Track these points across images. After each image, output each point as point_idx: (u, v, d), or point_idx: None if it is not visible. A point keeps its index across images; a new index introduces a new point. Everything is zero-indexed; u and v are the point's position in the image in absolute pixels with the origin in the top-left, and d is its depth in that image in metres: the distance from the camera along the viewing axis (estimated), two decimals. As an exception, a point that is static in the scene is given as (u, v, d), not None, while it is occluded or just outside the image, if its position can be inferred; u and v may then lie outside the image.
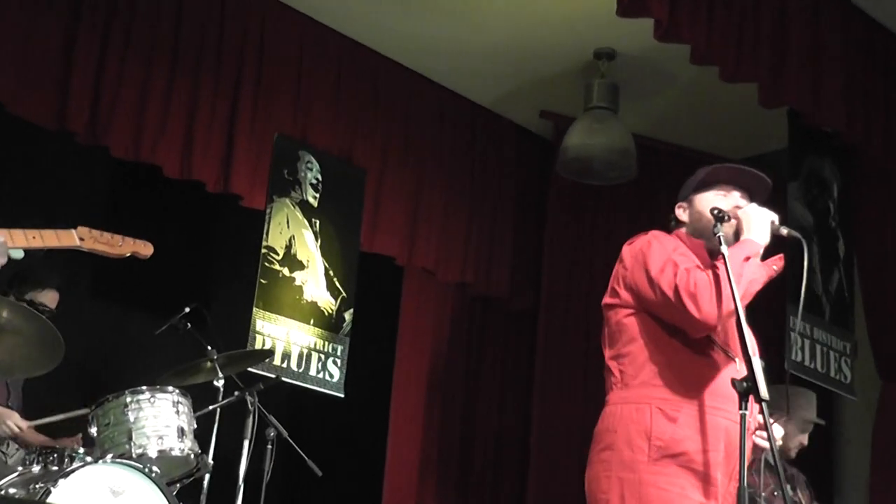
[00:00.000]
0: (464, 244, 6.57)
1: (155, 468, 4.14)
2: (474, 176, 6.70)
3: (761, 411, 2.97)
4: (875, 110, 5.62)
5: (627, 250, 3.38)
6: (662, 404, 3.22)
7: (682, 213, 3.48)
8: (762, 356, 3.18)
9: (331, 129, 6.02)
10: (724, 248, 3.19)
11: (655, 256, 3.27)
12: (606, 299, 3.40)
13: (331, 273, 5.96)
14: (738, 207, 3.36)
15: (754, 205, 3.37)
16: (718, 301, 3.12)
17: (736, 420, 3.06)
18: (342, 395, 5.88)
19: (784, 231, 3.32)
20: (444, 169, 6.54)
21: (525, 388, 6.73)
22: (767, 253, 3.33)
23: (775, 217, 3.34)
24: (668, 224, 3.53)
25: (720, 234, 3.25)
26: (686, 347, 3.25)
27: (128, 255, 3.51)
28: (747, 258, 3.23)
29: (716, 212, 3.32)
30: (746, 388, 2.99)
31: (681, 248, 3.33)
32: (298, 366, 5.72)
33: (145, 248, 3.56)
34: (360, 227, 6.09)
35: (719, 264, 3.20)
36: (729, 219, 3.31)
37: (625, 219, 6.56)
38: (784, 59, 5.22)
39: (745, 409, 3.01)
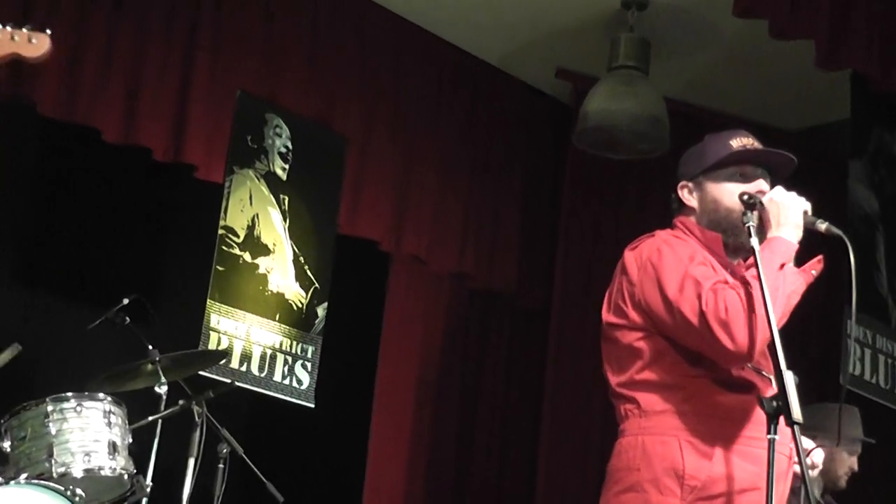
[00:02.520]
0: (462, 227, 6.57)
1: (80, 491, 4.10)
2: (476, 146, 6.69)
3: (794, 436, 2.93)
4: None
5: (632, 259, 3.33)
6: (693, 436, 3.18)
7: (688, 197, 3.42)
8: (794, 368, 3.06)
9: (305, 87, 6.01)
10: (755, 243, 3.14)
11: (670, 271, 3.22)
12: (610, 317, 3.36)
13: (301, 260, 5.95)
14: (762, 192, 3.31)
15: (781, 188, 3.30)
16: (754, 327, 3.08)
17: (782, 451, 3.04)
18: (312, 405, 5.89)
19: (822, 226, 3.25)
20: (441, 138, 6.54)
21: (533, 402, 6.74)
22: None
23: (808, 206, 3.28)
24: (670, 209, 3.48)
25: (751, 224, 3.21)
26: (714, 370, 3.21)
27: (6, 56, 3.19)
28: (782, 265, 3.17)
29: (746, 197, 3.26)
30: (776, 409, 2.95)
31: (697, 254, 3.28)
32: (260, 370, 5.72)
33: (36, 45, 3.19)
34: (338, 205, 6.09)
35: (752, 279, 3.14)
36: (762, 206, 3.25)
37: (656, 201, 6.40)
38: (847, 12, 5.21)
39: (775, 432, 2.96)
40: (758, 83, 6.52)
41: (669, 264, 3.23)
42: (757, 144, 3.41)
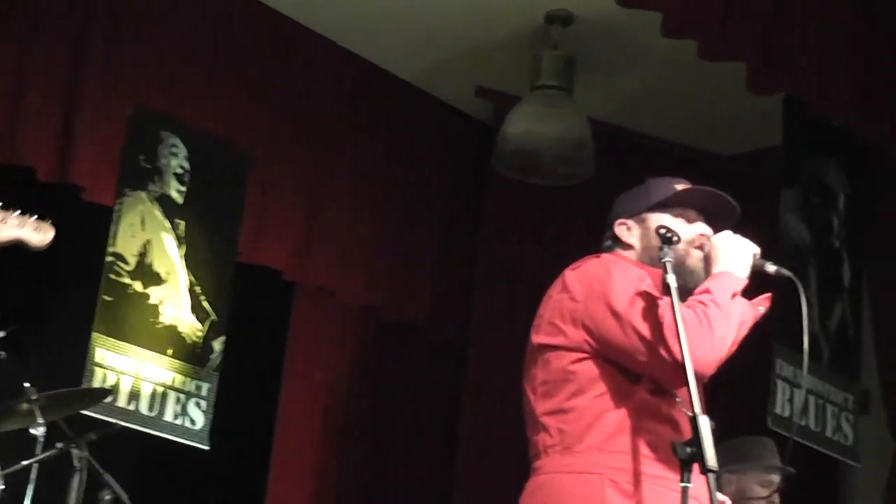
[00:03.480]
0: (373, 256, 6.57)
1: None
2: (390, 169, 6.69)
3: (708, 485, 2.92)
4: (896, 100, 5.68)
5: (574, 278, 3.33)
6: (618, 475, 3.17)
7: (626, 234, 3.47)
8: (709, 411, 3.10)
9: (205, 102, 5.99)
10: (670, 278, 3.17)
11: (620, 287, 3.24)
12: (543, 338, 3.35)
13: (197, 290, 5.92)
14: (705, 235, 3.39)
15: (729, 232, 3.37)
16: (713, 344, 3.12)
17: (696, 498, 3.02)
18: (207, 447, 5.84)
19: (771, 269, 3.32)
20: (352, 159, 6.53)
21: (448, 439, 6.73)
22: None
23: (757, 249, 3.34)
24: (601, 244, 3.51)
25: (668, 259, 3.22)
26: (647, 405, 3.24)
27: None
28: (734, 294, 3.22)
29: (664, 231, 3.28)
30: (690, 455, 2.97)
31: (647, 278, 3.29)
32: (150, 409, 5.68)
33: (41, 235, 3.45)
34: (238, 231, 6.06)
35: (707, 300, 3.19)
36: (678, 240, 3.29)
37: (580, 227, 6.53)
38: (780, 35, 5.24)
39: (688, 480, 2.98)
40: (688, 105, 6.56)
41: (619, 280, 3.25)
42: None
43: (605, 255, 3.42)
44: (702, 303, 3.19)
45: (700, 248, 3.36)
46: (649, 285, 3.24)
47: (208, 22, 6.03)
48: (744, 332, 3.25)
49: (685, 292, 3.25)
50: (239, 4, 6.12)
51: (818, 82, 5.36)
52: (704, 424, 2.96)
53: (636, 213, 3.46)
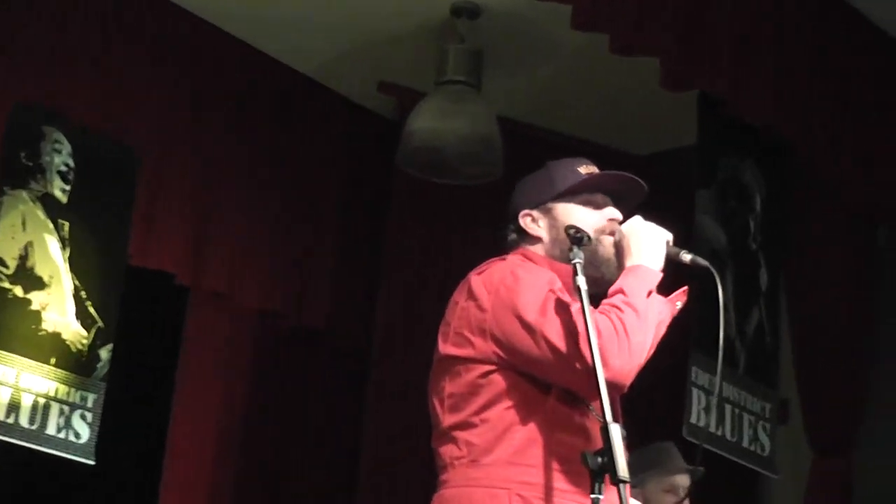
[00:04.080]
0: (271, 258, 6.53)
1: None
2: (288, 167, 6.65)
3: (619, 496, 2.94)
4: (816, 99, 5.72)
5: (480, 284, 3.31)
6: (527, 490, 3.16)
7: (532, 226, 3.45)
8: (623, 420, 3.13)
9: (91, 96, 5.91)
10: (580, 281, 3.14)
11: (528, 294, 3.22)
12: (451, 349, 3.33)
13: (83, 295, 5.84)
14: (615, 220, 3.39)
15: (639, 218, 3.37)
16: (630, 352, 3.11)
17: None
18: (93, 462, 5.76)
19: (686, 257, 3.32)
20: (248, 156, 6.48)
21: (351, 455, 6.70)
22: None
23: (670, 236, 3.34)
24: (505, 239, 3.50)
25: (577, 261, 3.20)
26: (559, 416, 3.23)
27: None
28: (649, 292, 3.23)
29: (572, 231, 3.27)
30: (601, 466, 2.95)
31: (556, 280, 3.28)
32: (31, 422, 5.59)
33: None
34: (128, 232, 6.00)
35: (621, 304, 3.19)
36: (589, 241, 3.28)
37: (488, 229, 6.40)
38: (695, 30, 5.27)
39: (599, 491, 2.97)
40: (601, 103, 6.57)
41: (527, 286, 3.23)
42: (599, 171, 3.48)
43: (510, 258, 3.40)
44: (616, 307, 3.17)
45: (611, 233, 3.36)
46: (560, 289, 3.23)
47: (93, 12, 5.95)
48: (661, 331, 3.26)
49: (602, 283, 3.29)
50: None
51: (733, 79, 5.41)
52: (615, 433, 2.95)
53: (541, 204, 3.44)
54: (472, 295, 3.30)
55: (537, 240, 3.43)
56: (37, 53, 5.73)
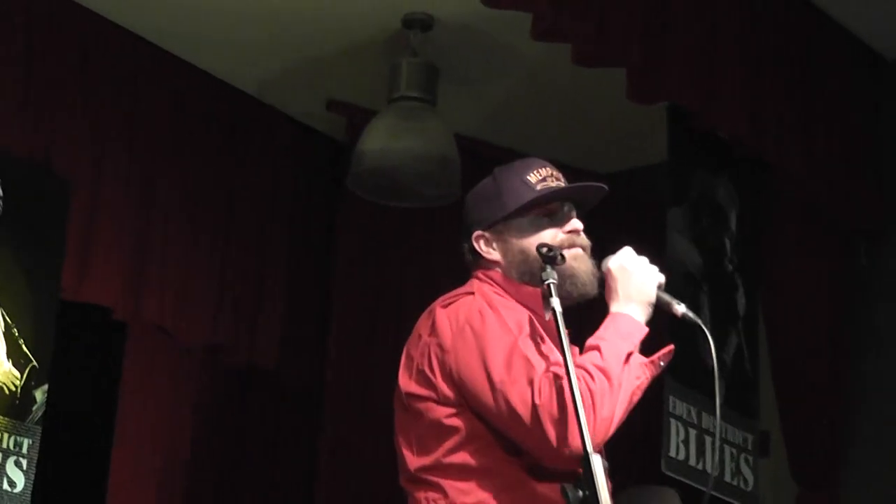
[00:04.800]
0: (215, 291, 6.50)
1: None
2: (232, 193, 6.63)
3: None
4: (790, 111, 5.74)
5: (445, 319, 3.28)
6: None
7: (486, 249, 3.41)
8: (604, 453, 3.10)
9: (17, 119, 5.86)
10: (555, 303, 3.12)
11: (495, 342, 3.18)
12: (412, 387, 3.29)
13: (15, 332, 5.77)
14: (575, 231, 3.35)
15: (630, 251, 3.33)
16: (594, 427, 3.05)
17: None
18: (28, 513, 5.70)
19: (678, 309, 3.30)
20: (188, 183, 6.46)
21: (304, 495, 6.71)
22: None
23: (662, 279, 3.32)
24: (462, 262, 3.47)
25: (551, 281, 3.16)
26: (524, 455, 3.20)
27: None
28: (629, 354, 3.18)
29: (545, 249, 3.23)
30: (582, 500, 2.91)
31: (524, 320, 3.24)
32: (-39, 470, 5.53)
33: None
34: (60, 265, 5.93)
35: (593, 369, 3.11)
36: (563, 260, 3.23)
37: (448, 255, 6.43)
38: (661, 38, 5.27)
39: None
40: (564, 118, 6.60)
41: (494, 334, 3.19)
42: (556, 174, 3.42)
43: (478, 289, 3.34)
44: (587, 373, 3.11)
45: (571, 246, 3.31)
46: (529, 331, 3.19)
47: (19, 29, 5.90)
48: (638, 396, 3.19)
49: (572, 299, 3.27)
50: (54, 7, 6.01)
51: (703, 90, 5.43)
52: (597, 464, 2.91)
53: (492, 224, 3.39)
54: (434, 330, 3.27)
55: (494, 262, 3.39)
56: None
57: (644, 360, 3.20)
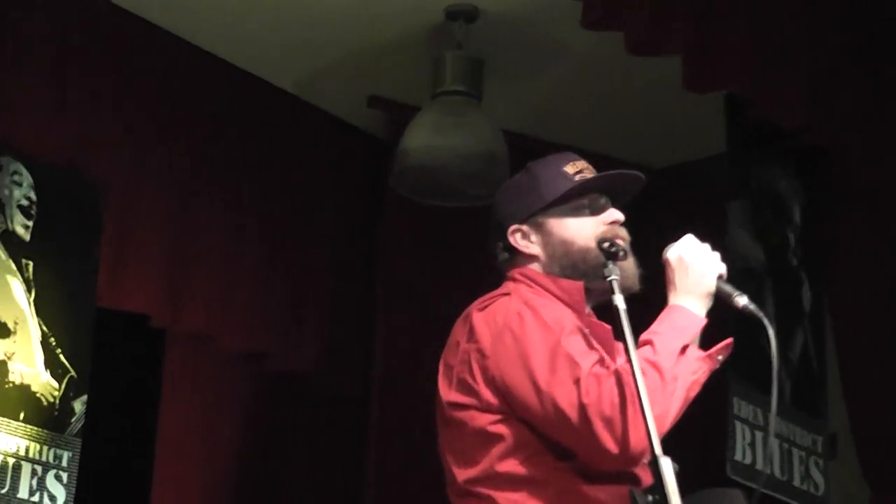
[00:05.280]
0: (255, 296, 6.48)
1: None
2: (271, 195, 6.62)
3: None
4: (852, 97, 5.71)
5: (482, 324, 3.26)
6: None
7: (524, 243, 3.42)
8: (672, 455, 3.04)
9: (48, 122, 5.85)
10: (618, 300, 3.12)
11: (537, 344, 3.17)
12: (453, 395, 3.29)
13: (52, 341, 5.78)
14: (616, 222, 3.36)
15: (692, 239, 3.32)
16: (646, 425, 3.00)
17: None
18: (70, 528, 5.71)
19: (740, 301, 3.25)
20: (226, 185, 6.45)
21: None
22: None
23: (723, 269, 3.29)
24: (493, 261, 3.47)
25: (614, 278, 3.17)
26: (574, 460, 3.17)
27: None
28: (684, 347, 3.16)
29: (606, 245, 3.25)
30: None
31: (566, 317, 3.23)
32: (0, 485, 5.52)
33: None
34: (96, 271, 5.94)
35: (646, 365, 3.09)
36: (626, 255, 3.26)
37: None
38: (717, 23, 5.26)
39: None
40: (616, 111, 6.58)
41: (535, 335, 3.17)
42: (590, 167, 3.43)
43: (516, 294, 3.31)
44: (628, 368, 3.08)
45: (615, 238, 3.31)
46: (572, 329, 3.18)
47: (51, 29, 5.90)
48: (694, 392, 3.17)
49: (606, 295, 3.23)
50: (86, 6, 6.01)
51: (761, 78, 5.40)
52: (667, 467, 2.90)
53: (529, 216, 3.40)
54: (473, 335, 3.26)
55: (532, 258, 3.40)
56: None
57: (701, 353, 3.18)
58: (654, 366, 3.09)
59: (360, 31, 6.21)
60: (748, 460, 5.39)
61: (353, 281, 6.85)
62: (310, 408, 6.80)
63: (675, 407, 3.10)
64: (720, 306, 3.28)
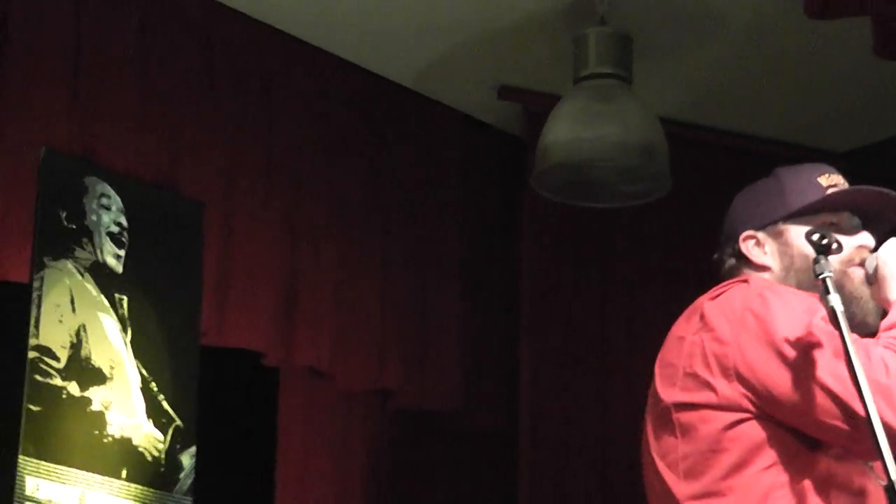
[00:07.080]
0: (378, 327, 6.53)
1: None
2: (392, 206, 6.66)
3: None
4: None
5: (715, 310, 3.35)
6: None
7: (757, 251, 3.51)
8: None
9: (138, 135, 5.89)
10: (834, 300, 3.08)
11: (785, 323, 3.24)
12: (680, 395, 3.35)
13: (153, 387, 5.81)
14: (865, 247, 3.44)
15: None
16: None
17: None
18: None
19: None
20: (338, 198, 6.49)
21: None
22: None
23: None
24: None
25: (826, 274, 3.13)
26: (833, 477, 3.24)
27: None
28: None
29: (816, 236, 3.20)
30: None
31: (818, 307, 3.22)
32: (106, 554, 5.61)
33: None
34: (199, 305, 6.01)
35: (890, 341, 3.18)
36: (840, 248, 3.22)
37: (659, 265, 6.62)
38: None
39: None
40: (788, 90, 6.60)
41: (781, 313, 3.25)
42: (846, 183, 3.52)
43: (753, 279, 3.41)
44: (886, 346, 3.18)
45: (861, 264, 3.41)
46: (824, 317, 3.17)
47: (127, 26, 5.94)
48: None
49: (851, 326, 3.21)
50: (174, 4, 6.08)
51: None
52: None
53: (769, 224, 3.51)
54: (705, 324, 3.34)
55: (764, 268, 3.50)
56: (60, 79, 5.72)
57: None
58: None
59: (486, 12, 6.22)
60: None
61: (490, 303, 6.91)
62: (446, 446, 6.88)
63: None
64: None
